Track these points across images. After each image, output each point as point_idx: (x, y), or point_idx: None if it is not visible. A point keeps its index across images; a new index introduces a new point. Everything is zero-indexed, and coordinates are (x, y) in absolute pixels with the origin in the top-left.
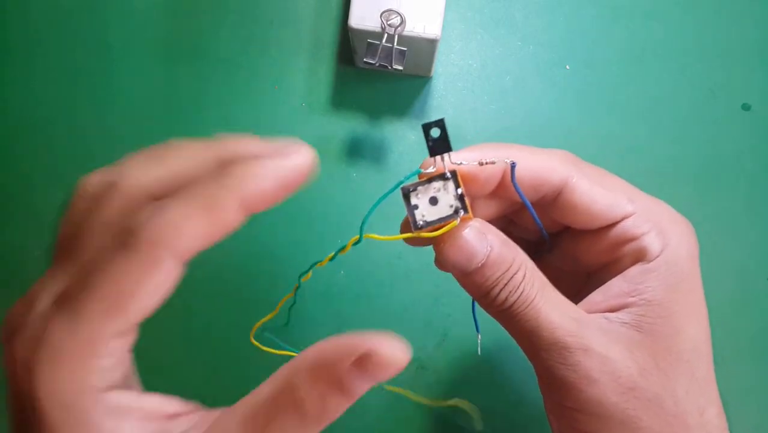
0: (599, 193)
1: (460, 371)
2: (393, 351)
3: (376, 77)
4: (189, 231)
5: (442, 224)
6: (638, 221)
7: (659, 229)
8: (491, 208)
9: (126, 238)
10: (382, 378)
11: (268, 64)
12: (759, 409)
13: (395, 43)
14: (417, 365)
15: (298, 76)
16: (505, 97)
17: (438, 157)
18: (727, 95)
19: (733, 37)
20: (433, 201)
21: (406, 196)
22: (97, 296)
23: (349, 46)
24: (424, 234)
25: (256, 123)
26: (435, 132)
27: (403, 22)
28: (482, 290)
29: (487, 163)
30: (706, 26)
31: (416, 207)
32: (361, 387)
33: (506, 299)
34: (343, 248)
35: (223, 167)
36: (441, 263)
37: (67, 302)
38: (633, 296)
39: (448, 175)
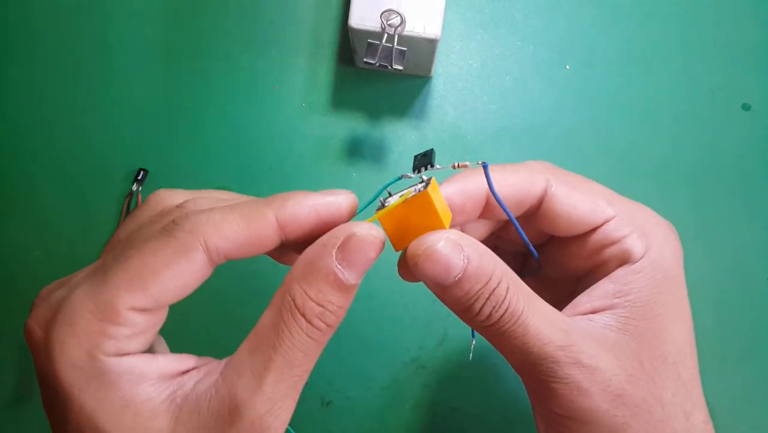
0: (578, 198)
1: (459, 370)
2: (367, 230)
3: (376, 77)
4: (224, 230)
5: (411, 196)
6: (619, 224)
7: (641, 231)
8: (480, 229)
9: (169, 226)
10: (366, 259)
11: (268, 64)
12: (759, 409)
13: (395, 43)
14: (417, 365)
15: (298, 76)
16: (505, 97)
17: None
18: (727, 95)
19: (733, 37)
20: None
21: (383, 202)
22: (124, 267)
23: (349, 46)
24: (389, 208)
25: (256, 123)
26: (419, 153)
27: (403, 22)
28: (462, 305)
29: (460, 166)
30: (706, 26)
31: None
32: (352, 275)
33: (490, 314)
34: None
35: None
36: (417, 275)
37: (99, 270)
38: (618, 297)
39: (424, 178)
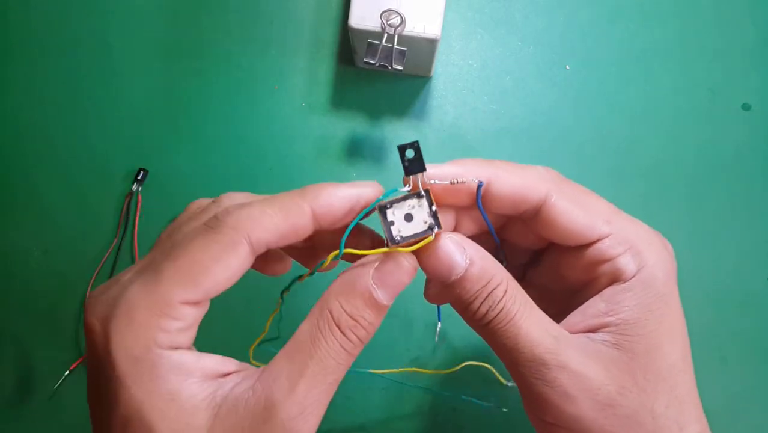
0: (576, 213)
1: (460, 370)
2: (405, 258)
3: (376, 77)
4: (265, 223)
5: (418, 239)
6: (613, 243)
7: (635, 250)
8: (474, 223)
9: (212, 223)
10: (399, 282)
11: (268, 64)
12: (759, 409)
13: (395, 43)
14: (417, 365)
15: (298, 76)
16: (505, 97)
17: (413, 176)
18: (727, 95)
19: (733, 37)
20: (408, 218)
21: (383, 212)
22: (176, 264)
23: (349, 46)
24: (400, 249)
25: (256, 123)
26: (410, 153)
27: (403, 22)
28: (462, 303)
29: (459, 183)
30: (706, 26)
31: (392, 223)
32: (385, 296)
33: (486, 313)
34: (322, 264)
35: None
36: (425, 271)
37: (149, 268)
38: (610, 316)
39: (422, 193)
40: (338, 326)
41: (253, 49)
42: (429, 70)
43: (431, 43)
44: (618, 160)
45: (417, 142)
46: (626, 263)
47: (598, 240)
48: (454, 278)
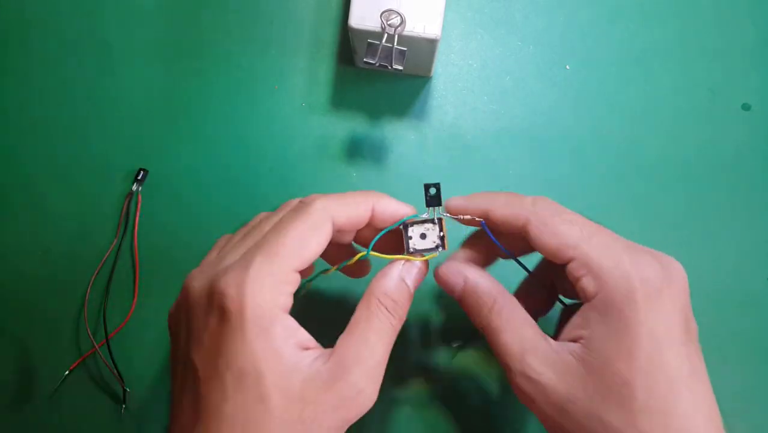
0: (546, 239)
1: (459, 370)
2: (419, 262)
3: (376, 77)
4: (341, 209)
5: (428, 255)
6: (576, 265)
7: (594, 274)
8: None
9: (302, 207)
10: (418, 273)
11: (268, 64)
12: (760, 409)
13: (395, 43)
14: (417, 365)
15: (298, 76)
16: (505, 97)
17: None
18: (727, 95)
19: (733, 37)
20: (423, 236)
21: (406, 228)
22: (286, 240)
23: (349, 46)
24: (413, 258)
25: (256, 123)
26: (432, 191)
27: (403, 22)
28: (468, 311)
29: (464, 219)
30: (706, 26)
31: (411, 237)
32: (410, 282)
33: (478, 323)
34: (348, 262)
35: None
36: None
37: (262, 246)
38: (582, 330)
39: (436, 221)
40: (385, 307)
41: (253, 49)
42: (429, 70)
43: (431, 43)
44: (617, 159)
45: (439, 183)
46: (586, 285)
47: (569, 262)
48: (458, 294)
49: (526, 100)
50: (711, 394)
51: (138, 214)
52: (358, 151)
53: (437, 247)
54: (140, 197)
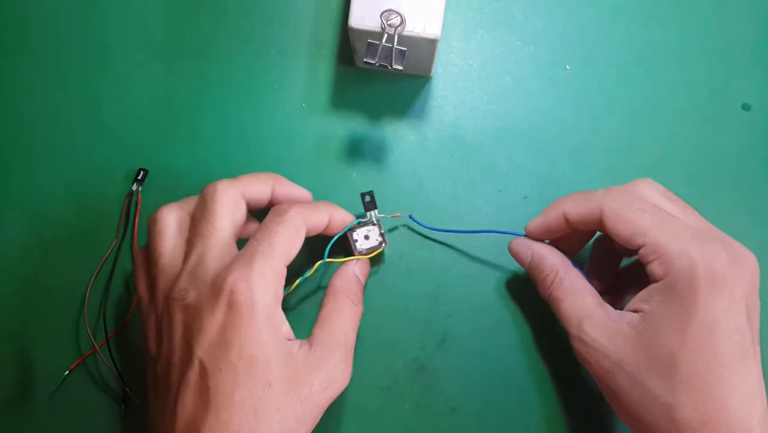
0: (620, 228)
1: (459, 371)
2: (365, 261)
3: (376, 77)
4: (313, 218)
5: (373, 250)
6: (646, 251)
7: (663, 259)
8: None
9: (284, 217)
10: (365, 272)
11: (268, 64)
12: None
13: (395, 43)
14: (417, 365)
15: (298, 76)
16: (505, 97)
17: (369, 211)
18: (727, 95)
19: (733, 37)
20: (366, 237)
21: (350, 234)
22: (278, 243)
23: (349, 46)
24: (362, 257)
25: (256, 123)
26: (367, 198)
27: (403, 22)
28: (535, 282)
29: (393, 216)
30: (706, 26)
31: (356, 240)
32: (362, 277)
33: (542, 291)
34: (311, 270)
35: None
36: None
37: (252, 254)
38: (645, 303)
39: (375, 222)
40: (351, 300)
41: (253, 49)
42: (429, 70)
43: (431, 43)
44: (617, 159)
45: (372, 191)
46: (655, 269)
47: (640, 248)
48: (527, 266)
49: (526, 100)
50: (759, 378)
51: (138, 214)
52: (358, 151)
53: (381, 244)
54: (140, 197)
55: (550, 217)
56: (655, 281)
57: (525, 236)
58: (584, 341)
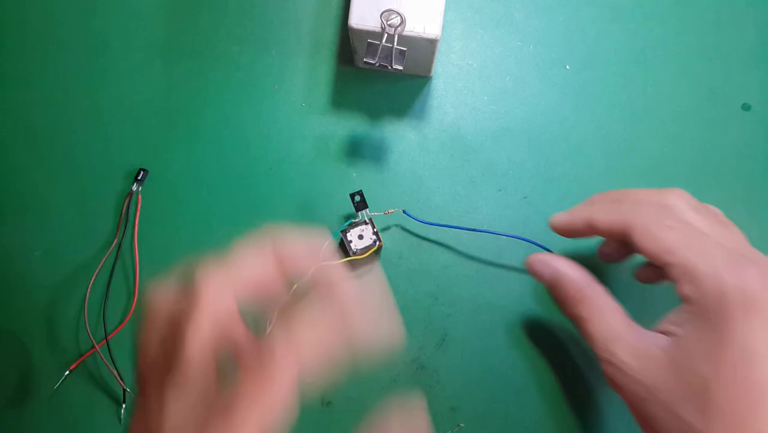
0: (648, 244)
1: (459, 370)
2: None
3: (376, 77)
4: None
5: (368, 249)
6: (673, 271)
7: (690, 279)
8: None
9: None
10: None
11: (268, 64)
12: None
13: (395, 43)
14: (417, 365)
15: (298, 76)
16: (505, 97)
17: (361, 211)
18: (727, 95)
19: (733, 37)
20: (360, 237)
21: (344, 234)
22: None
23: (349, 46)
24: (358, 257)
25: (256, 123)
26: (357, 198)
27: (403, 22)
28: (556, 301)
29: (388, 212)
30: (706, 26)
31: (351, 241)
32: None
33: (567, 313)
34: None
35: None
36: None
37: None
38: (675, 326)
39: (367, 221)
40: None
41: (253, 49)
42: (429, 70)
43: (431, 43)
44: (618, 159)
45: (361, 190)
46: (684, 289)
47: (668, 265)
48: (547, 283)
49: (526, 100)
50: None
51: (138, 214)
52: (358, 151)
53: (375, 242)
54: (140, 197)
55: (576, 219)
56: (685, 301)
57: (521, 238)
58: (614, 364)
